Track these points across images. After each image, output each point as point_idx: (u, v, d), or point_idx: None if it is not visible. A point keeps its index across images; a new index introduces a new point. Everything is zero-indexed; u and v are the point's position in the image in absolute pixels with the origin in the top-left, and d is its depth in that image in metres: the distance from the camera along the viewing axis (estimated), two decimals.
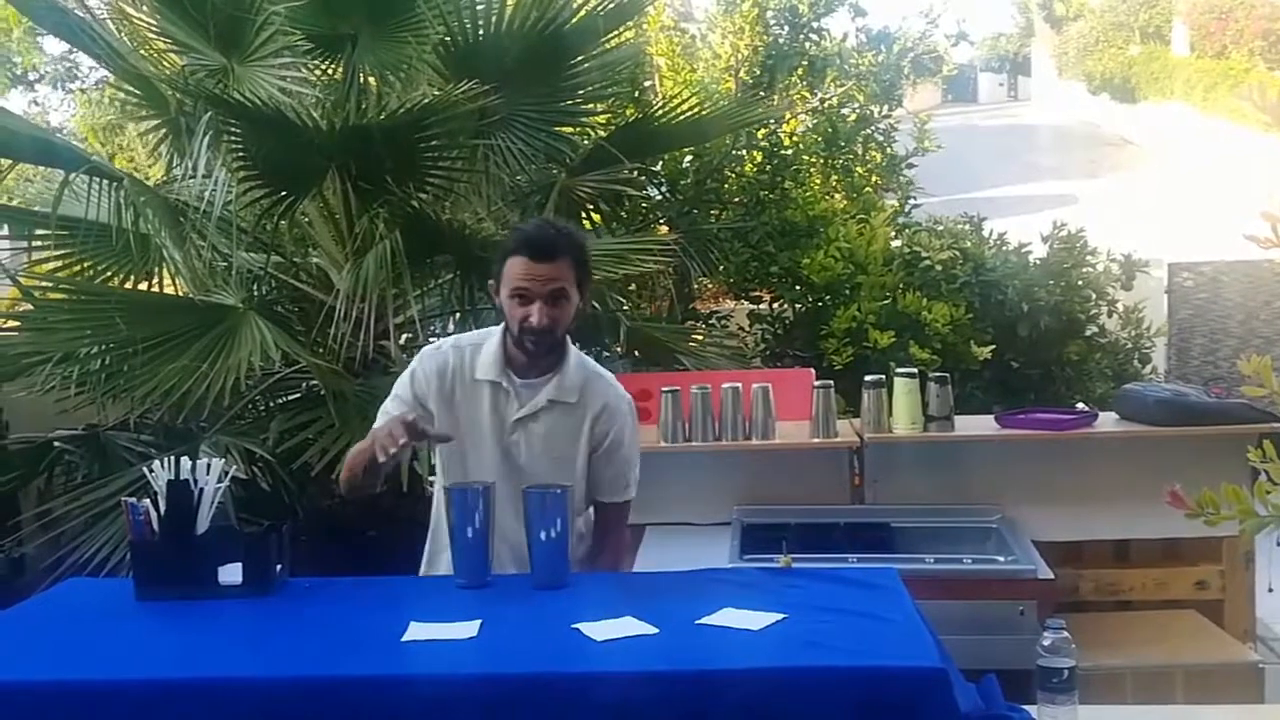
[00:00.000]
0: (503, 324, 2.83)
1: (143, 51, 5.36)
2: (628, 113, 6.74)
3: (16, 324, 5.12)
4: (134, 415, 4.93)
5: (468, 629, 2.23)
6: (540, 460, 2.82)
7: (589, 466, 2.89)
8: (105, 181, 4.97)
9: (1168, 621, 4.03)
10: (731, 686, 1.97)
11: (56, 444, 5.21)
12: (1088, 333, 6.43)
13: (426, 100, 4.63)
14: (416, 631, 2.22)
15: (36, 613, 2.51)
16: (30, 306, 5.23)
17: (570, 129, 5.76)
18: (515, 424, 2.83)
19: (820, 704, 1.94)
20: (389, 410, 2.88)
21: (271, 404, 5.28)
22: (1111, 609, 4.09)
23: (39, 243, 5.30)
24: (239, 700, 1.99)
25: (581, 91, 5.60)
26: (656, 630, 2.20)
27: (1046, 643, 2.25)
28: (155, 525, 2.53)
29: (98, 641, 2.27)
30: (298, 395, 5.24)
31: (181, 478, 2.53)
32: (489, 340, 2.88)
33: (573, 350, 2.90)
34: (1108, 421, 4.19)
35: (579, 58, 5.38)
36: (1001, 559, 3.71)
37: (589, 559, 2.95)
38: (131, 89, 5.33)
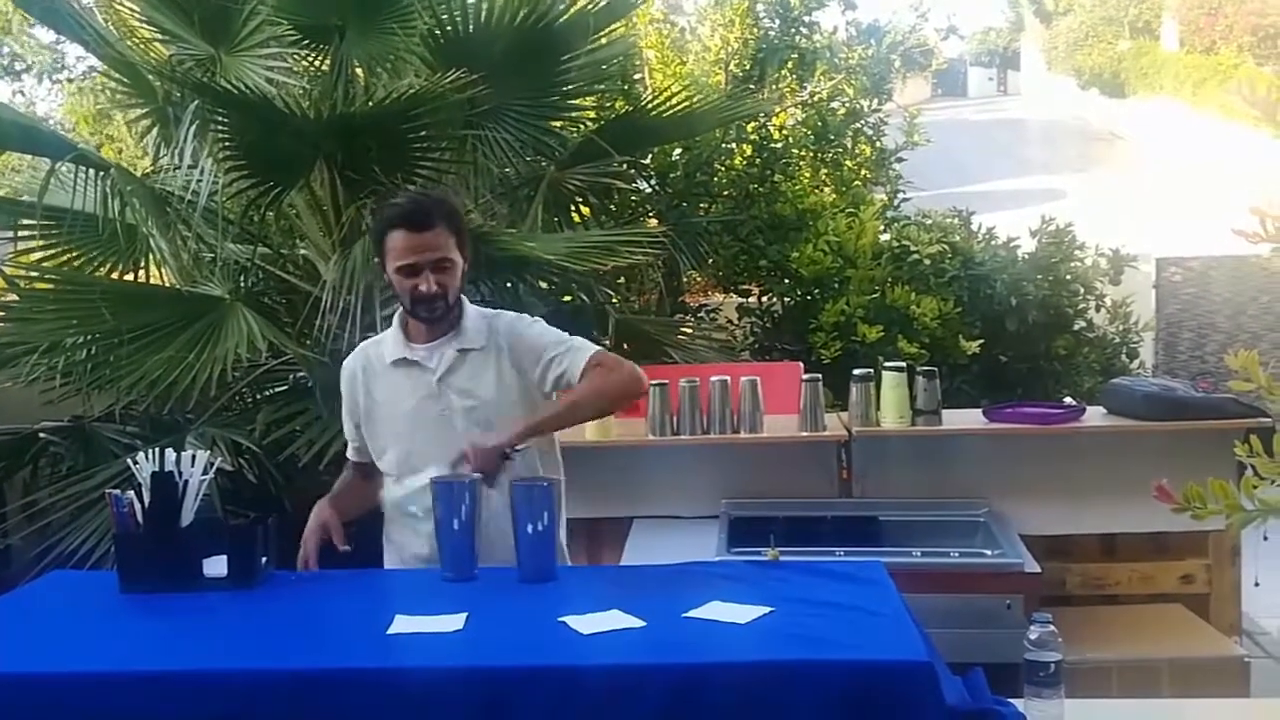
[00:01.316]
0: (398, 305, 2.91)
1: (130, 41, 5.33)
2: (617, 106, 6.73)
3: (1, 314, 5.08)
4: (120, 406, 4.91)
5: (454, 622, 2.22)
6: (476, 410, 2.83)
7: (542, 381, 2.86)
8: (92, 171, 4.93)
9: (1154, 616, 4.04)
10: (718, 679, 1.96)
11: (42, 435, 5.18)
12: (1076, 327, 6.43)
13: (414, 90, 4.60)
14: (402, 624, 2.21)
15: (20, 605, 2.50)
16: (15, 297, 5.21)
17: (559, 122, 5.74)
18: (438, 385, 2.85)
19: (807, 697, 1.93)
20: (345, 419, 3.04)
21: (258, 395, 5.25)
22: (1098, 603, 4.09)
23: (25, 232, 5.26)
24: (222, 693, 1.98)
25: (571, 85, 5.58)
26: (643, 623, 2.19)
27: (1033, 637, 2.25)
28: (139, 517, 2.52)
29: (81, 634, 2.26)
30: (285, 387, 5.21)
31: (166, 470, 2.52)
32: (389, 330, 2.97)
33: (468, 305, 2.94)
34: (1095, 416, 4.20)
35: (569, 53, 5.35)
36: (989, 553, 3.71)
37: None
38: (119, 77, 5.30)
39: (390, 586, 2.61)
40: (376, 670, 2.02)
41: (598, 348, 2.88)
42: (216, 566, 2.51)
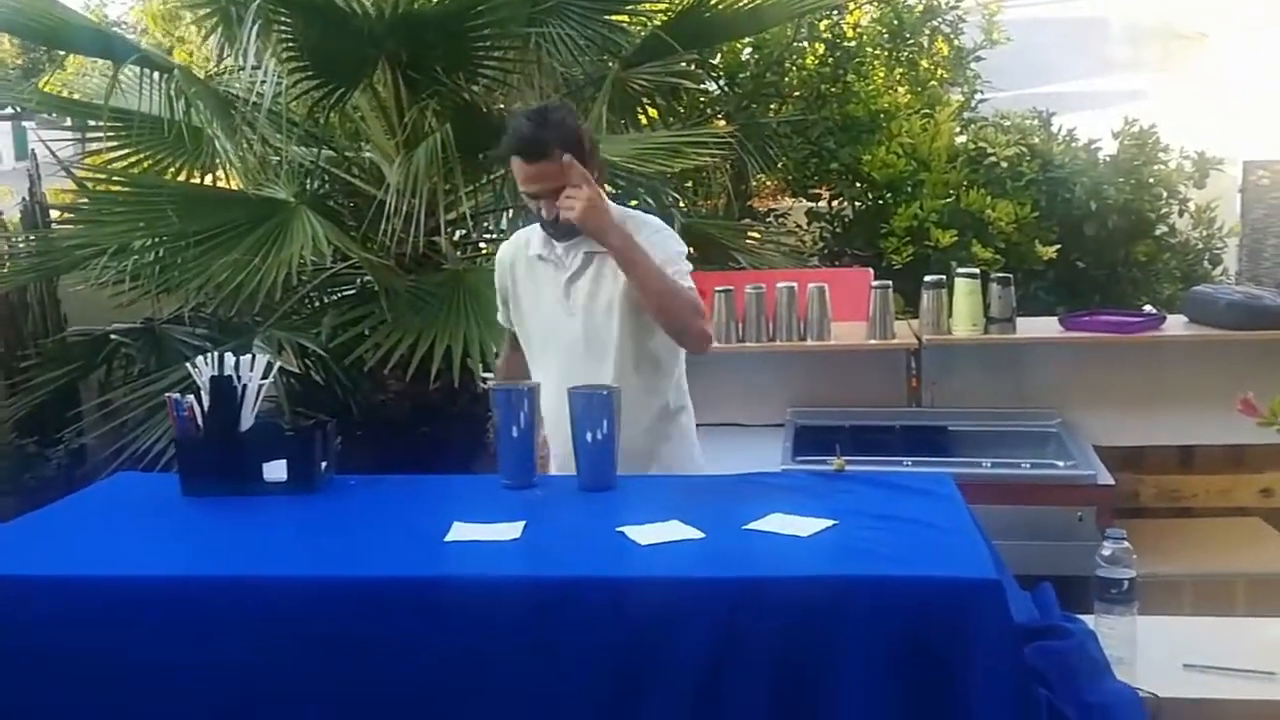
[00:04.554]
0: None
1: None
2: (684, 1, 6.56)
3: (71, 216, 5.12)
4: (188, 309, 4.95)
5: (511, 530, 2.20)
6: (593, 312, 2.89)
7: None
8: (157, 73, 4.92)
9: (1230, 529, 3.96)
10: (776, 594, 1.92)
11: (114, 337, 5.25)
12: (1157, 232, 6.24)
13: None
14: (460, 532, 2.19)
15: (84, 507, 2.52)
16: (85, 200, 5.24)
17: (625, 17, 5.61)
18: (566, 285, 2.92)
19: (869, 614, 1.88)
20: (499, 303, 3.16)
21: (324, 299, 5.26)
22: (1173, 516, 4.02)
23: (93, 135, 5.28)
24: (277, 598, 1.97)
25: None
26: (703, 535, 2.15)
27: (1106, 553, 2.19)
28: (200, 421, 2.51)
29: (142, 537, 2.28)
30: (351, 291, 5.21)
31: (225, 374, 2.51)
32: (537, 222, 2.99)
33: (609, 208, 2.90)
34: (1176, 324, 4.07)
35: None
36: (1061, 464, 3.64)
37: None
38: None
39: (449, 493, 2.58)
40: (431, 578, 2.01)
41: (692, 285, 2.90)
42: (277, 471, 2.51)
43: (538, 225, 2.96)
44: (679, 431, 3.01)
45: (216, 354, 2.53)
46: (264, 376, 2.56)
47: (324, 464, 2.56)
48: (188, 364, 2.57)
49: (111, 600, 1.99)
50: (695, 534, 2.16)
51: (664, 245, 2.89)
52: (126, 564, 2.11)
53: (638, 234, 2.84)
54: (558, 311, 2.94)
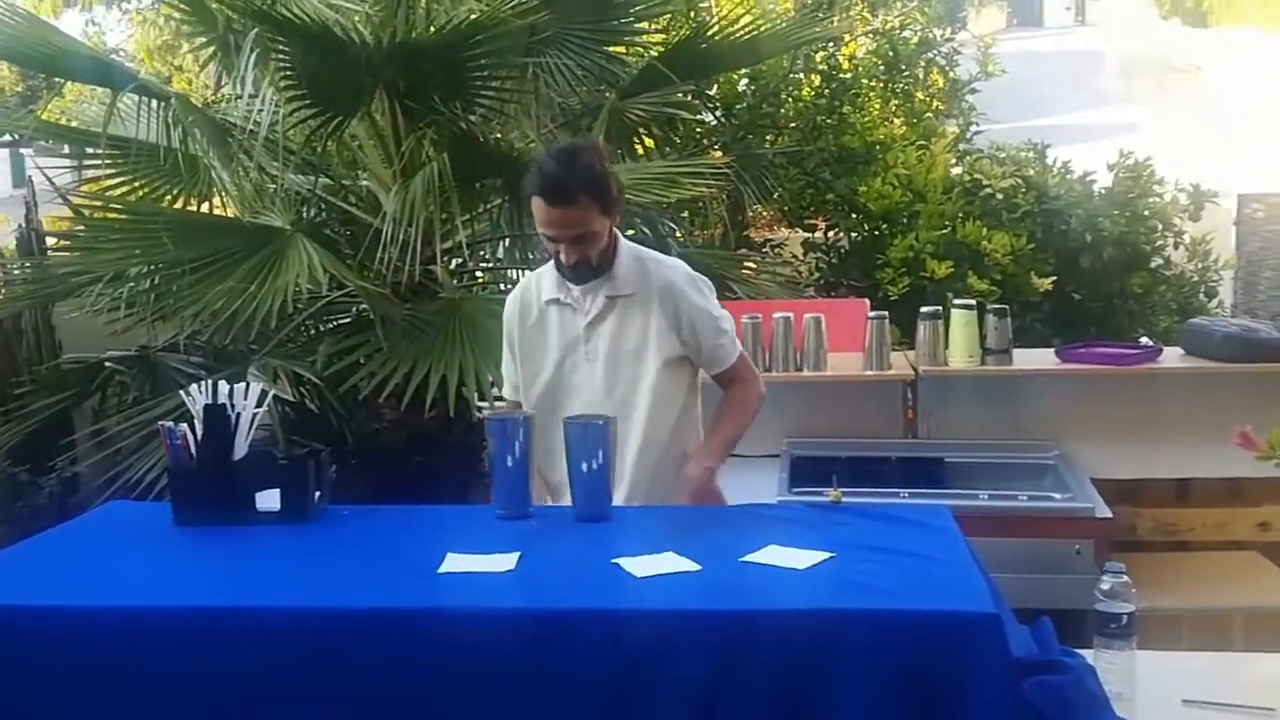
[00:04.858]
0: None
1: None
2: (682, 33, 6.58)
3: (67, 244, 5.11)
4: (184, 337, 4.94)
5: (506, 561, 2.18)
6: (618, 358, 2.85)
7: (696, 353, 2.90)
8: (154, 101, 4.92)
9: (1228, 563, 3.94)
10: (773, 627, 1.90)
11: (108, 364, 5.23)
12: (1152, 265, 6.24)
13: (475, 16, 4.52)
14: (454, 563, 2.17)
15: (75, 536, 2.51)
16: (82, 227, 5.24)
17: (622, 48, 5.63)
18: (586, 330, 2.86)
19: (866, 648, 1.86)
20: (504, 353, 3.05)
21: (320, 327, 5.25)
22: (1170, 549, 4.00)
23: (90, 162, 5.28)
24: (269, 628, 1.96)
25: (634, 8, 5.46)
26: (699, 567, 2.14)
27: (1105, 587, 2.17)
28: (193, 450, 2.50)
29: (134, 567, 2.26)
30: (347, 319, 5.20)
31: (219, 402, 2.49)
32: (548, 265, 2.94)
33: (623, 244, 2.90)
34: (1172, 357, 4.07)
35: None
36: (1058, 496, 3.63)
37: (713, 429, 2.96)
38: (180, 5, 5.26)
39: (443, 523, 2.57)
40: (425, 610, 1.99)
41: (739, 348, 2.96)
42: (270, 500, 2.49)
43: (548, 267, 2.91)
44: None
45: (210, 382, 2.52)
46: (258, 405, 2.54)
47: (317, 493, 2.54)
48: (182, 392, 2.56)
49: (102, 631, 1.97)
50: (691, 566, 2.15)
51: (702, 309, 2.88)
52: (117, 594, 2.09)
53: (663, 288, 2.83)
54: (575, 357, 2.88)
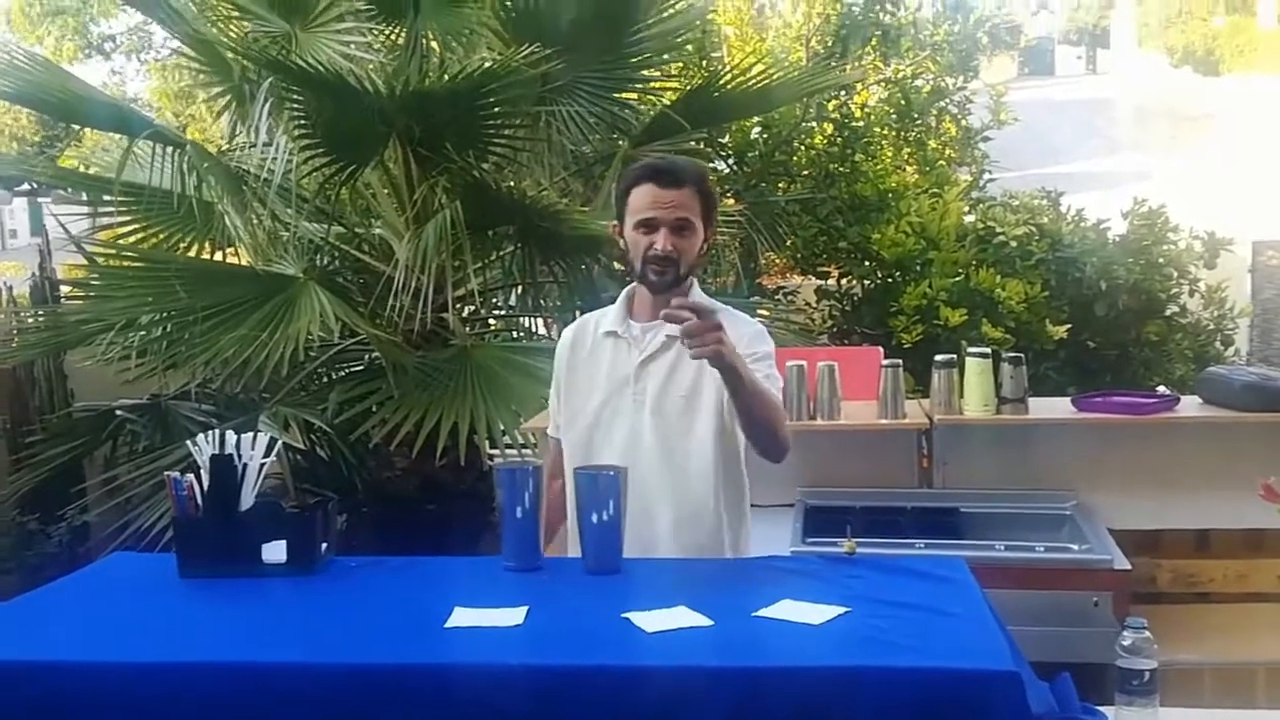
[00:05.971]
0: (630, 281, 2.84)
1: (209, 15, 5.34)
2: (693, 81, 6.61)
3: (80, 292, 5.13)
4: (195, 385, 4.94)
5: (514, 616, 2.14)
6: (665, 406, 2.74)
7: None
8: (169, 148, 4.95)
9: (1250, 615, 3.87)
10: (787, 685, 1.86)
11: (119, 413, 5.24)
12: (1168, 312, 6.21)
13: (487, 65, 4.54)
14: (461, 617, 2.13)
15: (80, 587, 2.47)
16: (95, 275, 5.26)
17: (634, 95, 5.65)
18: (638, 370, 2.77)
19: (882, 706, 1.82)
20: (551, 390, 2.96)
21: (332, 375, 5.26)
22: (1190, 601, 3.93)
23: (106, 209, 5.31)
24: (272, 684, 1.92)
25: (645, 56, 5.49)
26: (711, 622, 2.09)
27: (1127, 643, 2.13)
28: (199, 500, 2.47)
29: (137, 620, 2.22)
30: (358, 367, 5.21)
31: (226, 452, 2.47)
32: (615, 304, 2.88)
33: (696, 289, 2.82)
34: (1190, 406, 4.02)
35: (642, 21, 5.26)
36: (1075, 547, 3.57)
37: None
38: (196, 55, 5.31)
39: (451, 576, 2.53)
40: (431, 666, 1.95)
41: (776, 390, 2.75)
42: (276, 552, 2.46)
43: (613, 307, 2.86)
44: (747, 528, 2.88)
45: (218, 432, 2.49)
46: (266, 455, 2.52)
47: (324, 545, 2.51)
48: (189, 442, 2.53)
49: (104, 686, 1.94)
50: (703, 621, 2.10)
51: (755, 345, 2.74)
52: (118, 649, 2.05)
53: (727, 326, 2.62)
54: (621, 401, 2.77)
